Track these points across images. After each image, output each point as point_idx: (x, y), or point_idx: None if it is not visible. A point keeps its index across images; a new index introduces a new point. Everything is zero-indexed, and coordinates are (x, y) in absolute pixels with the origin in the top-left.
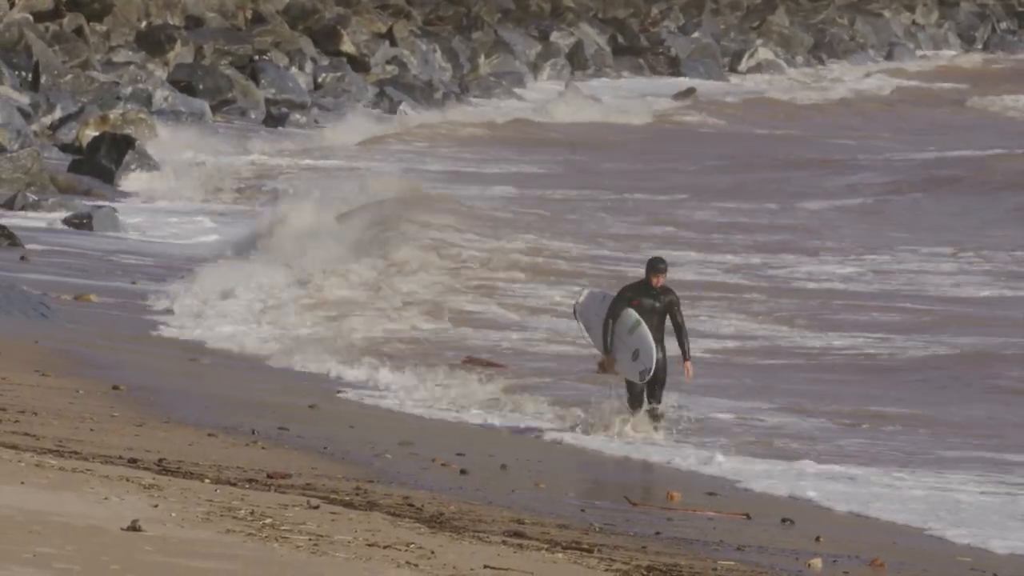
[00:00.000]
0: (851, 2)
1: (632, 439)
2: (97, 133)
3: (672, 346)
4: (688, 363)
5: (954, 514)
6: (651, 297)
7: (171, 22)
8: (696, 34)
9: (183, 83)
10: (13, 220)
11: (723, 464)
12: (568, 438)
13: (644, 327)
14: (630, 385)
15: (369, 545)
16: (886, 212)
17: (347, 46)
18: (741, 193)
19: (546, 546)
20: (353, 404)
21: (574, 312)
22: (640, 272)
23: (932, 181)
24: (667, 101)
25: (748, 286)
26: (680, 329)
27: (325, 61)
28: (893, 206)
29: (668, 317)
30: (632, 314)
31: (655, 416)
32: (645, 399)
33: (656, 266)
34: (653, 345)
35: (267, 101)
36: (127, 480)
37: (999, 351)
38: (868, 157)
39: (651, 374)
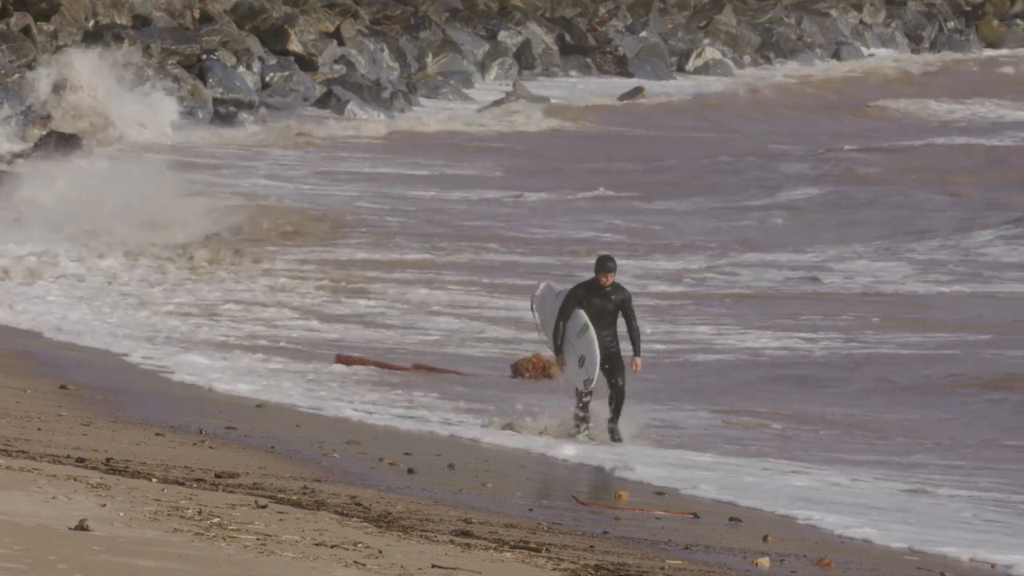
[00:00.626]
0: (798, 1)
1: (586, 441)
2: (44, 132)
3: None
4: (638, 359)
5: (901, 514)
6: (601, 297)
7: (118, 21)
8: (644, 33)
9: None
10: None
11: (670, 464)
12: (489, 436)
13: (592, 333)
14: (579, 393)
15: (316, 545)
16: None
17: (295, 45)
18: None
19: (494, 545)
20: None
21: (531, 305)
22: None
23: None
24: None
25: (673, 292)
26: (631, 326)
27: (273, 60)
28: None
29: (621, 315)
30: (582, 317)
31: (614, 422)
32: (589, 409)
33: (605, 264)
34: (598, 354)
35: (215, 100)
36: (75, 479)
37: (932, 351)
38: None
39: (593, 384)
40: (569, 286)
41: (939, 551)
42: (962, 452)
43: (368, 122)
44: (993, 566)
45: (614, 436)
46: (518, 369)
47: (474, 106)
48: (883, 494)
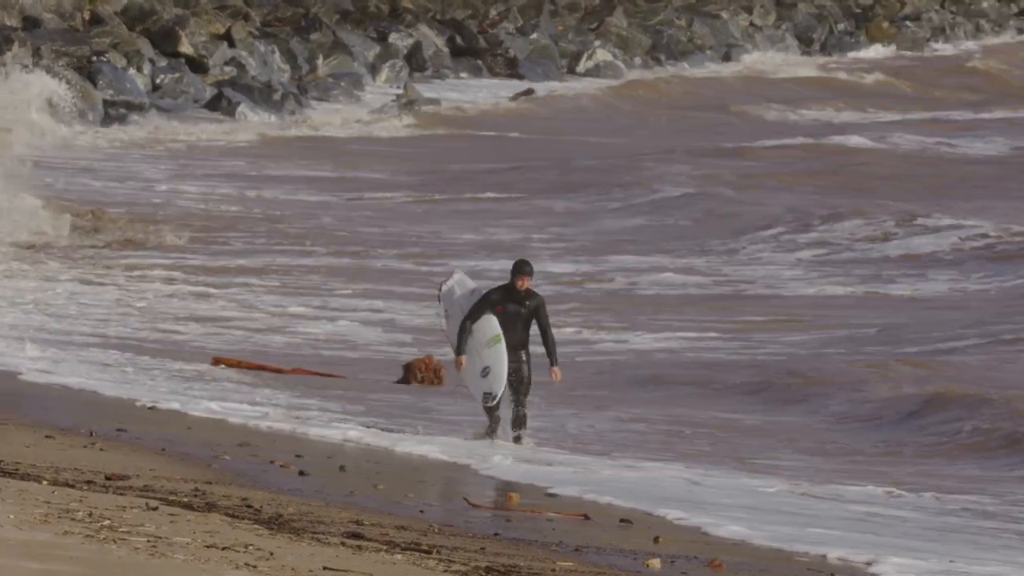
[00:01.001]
0: (689, 4)
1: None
2: None
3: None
4: (555, 368)
5: (788, 516)
6: (516, 302)
7: (8, 23)
8: (534, 35)
9: None
10: None
11: (559, 466)
12: (379, 439)
13: (501, 347)
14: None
15: (208, 546)
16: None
17: (185, 47)
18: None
19: (385, 547)
20: (192, 406)
21: (439, 294)
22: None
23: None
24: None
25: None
26: (545, 334)
27: (163, 62)
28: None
29: (534, 321)
30: (494, 326)
31: (518, 427)
32: (500, 413)
33: (522, 268)
34: (504, 371)
35: (105, 102)
36: None
37: (814, 350)
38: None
39: (493, 401)
40: (482, 283)
41: (821, 551)
42: (831, 453)
43: (253, 124)
44: (869, 563)
45: (516, 440)
46: (411, 370)
47: (364, 108)
48: (767, 496)
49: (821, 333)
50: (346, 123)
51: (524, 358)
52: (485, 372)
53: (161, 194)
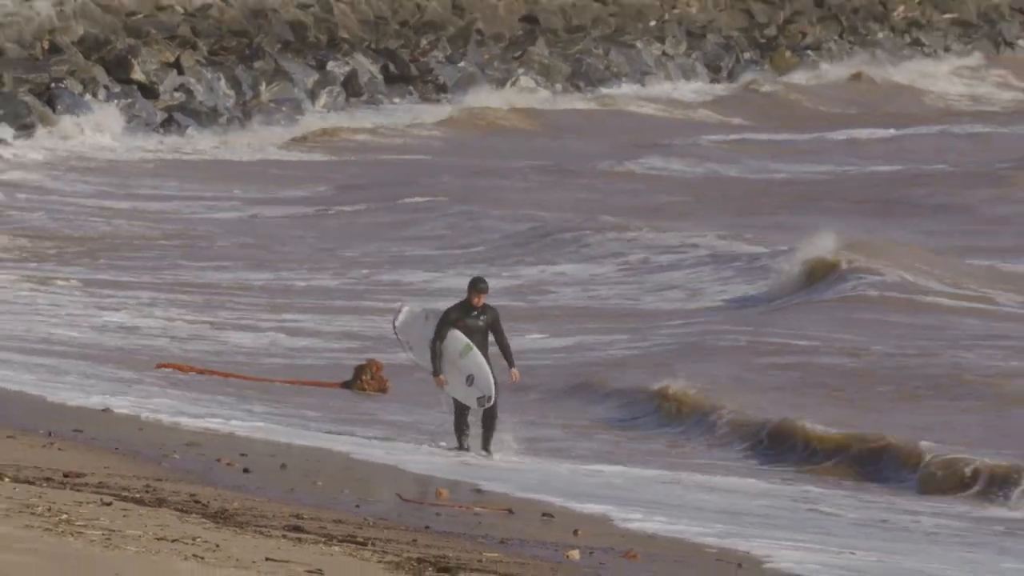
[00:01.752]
0: (606, 34)
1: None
2: None
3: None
4: (514, 369)
5: (698, 511)
6: (473, 317)
7: None
8: (462, 63)
9: None
10: None
11: (489, 463)
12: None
13: (475, 352)
14: (458, 405)
15: (158, 539)
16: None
17: (137, 74)
18: None
19: (323, 539)
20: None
21: (393, 329)
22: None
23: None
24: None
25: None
26: (503, 344)
27: (117, 88)
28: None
29: (491, 333)
30: (460, 338)
31: (486, 441)
32: (475, 419)
33: (477, 285)
34: (489, 372)
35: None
36: None
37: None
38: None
39: (491, 401)
40: (433, 307)
41: (735, 547)
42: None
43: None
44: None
45: (485, 451)
46: (360, 373)
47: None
48: (679, 490)
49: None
50: (267, 146)
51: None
52: (470, 380)
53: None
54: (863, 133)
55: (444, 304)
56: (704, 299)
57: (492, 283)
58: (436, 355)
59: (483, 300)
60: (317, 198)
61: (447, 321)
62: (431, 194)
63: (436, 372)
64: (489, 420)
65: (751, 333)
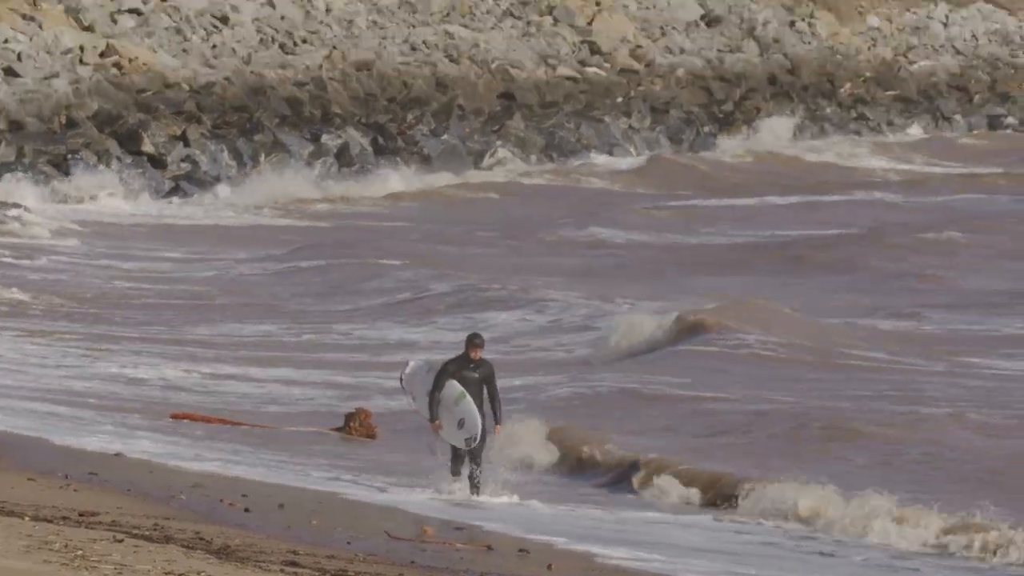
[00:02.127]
0: (577, 110)
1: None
2: None
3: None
4: (499, 425)
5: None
6: (470, 370)
7: None
8: (445, 136)
9: None
10: None
11: (467, 503)
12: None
13: (468, 399)
14: (454, 450)
15: (166, 573)
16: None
17: (147, 147)
18: None
19: (317, 573)
20: (151, 454)
21: (400, 382)
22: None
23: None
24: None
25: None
26: (494, 398)
27: (129, 159)
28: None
29: (485, 385)
30: (456, 386)
31: (475, 485)
32: (467, 463)
33: (474, 341)
34: (478, 416)
35: None
36: None
37: None
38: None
39: (476, 441)
40: (435, 359)
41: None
42: None
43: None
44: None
45: (474, 486)
46: (349, 422)
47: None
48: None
49: None
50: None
51: (481, 413)
52: (461, 424)
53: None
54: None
55: (442, 357)
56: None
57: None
58: (433, 403)
59: (479, 354)
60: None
61: (445, 372)
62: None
63: (432, 418)
64: (478, 457)
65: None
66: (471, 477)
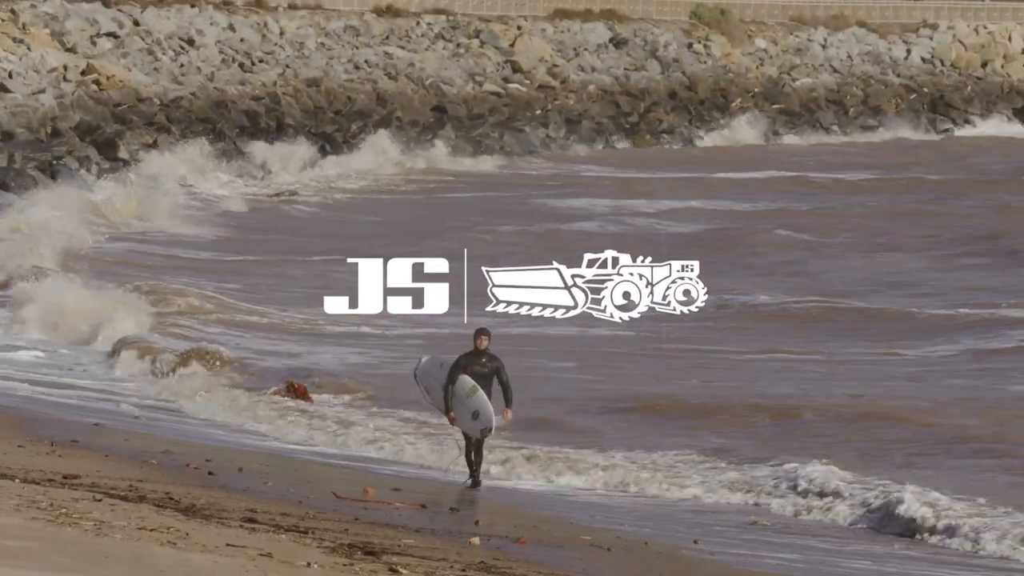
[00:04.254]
0: (501, 121)
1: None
2: None
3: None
4: (508, 409)
5: (570, 501)
6: (481, 364)
7: None
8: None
9: None
10: None
11: (405, 467)
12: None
13: (481, 392)
14: (467, 438)
15: (140, 529)
16: None
17: (123, 153)
18: None
19: (273, 529)
20: (128, 423)
21: (415, 376)
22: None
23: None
24: None
25: None
26: (506, 386)
27: (107, 165)
28: None
29: (496, 377)
30: (468, 380)
31: (475, 475)
32: (474, 454)
33: (481, 332)
34: (491, 408)
35: None
36: None
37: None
38: None
39: (491, 432)
40: (447, 357)
41: (609, 527)
42: None
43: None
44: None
45: (475, 484)
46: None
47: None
48: (549, 487)
49: None
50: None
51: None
52: (475, 415)
53: None
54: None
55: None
56: None
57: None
58: (448, 396)
59: (485, 343)
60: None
61: (457, 366)
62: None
63: (447, 410)
64: (479, 457)
65: None
66: (472, 467)
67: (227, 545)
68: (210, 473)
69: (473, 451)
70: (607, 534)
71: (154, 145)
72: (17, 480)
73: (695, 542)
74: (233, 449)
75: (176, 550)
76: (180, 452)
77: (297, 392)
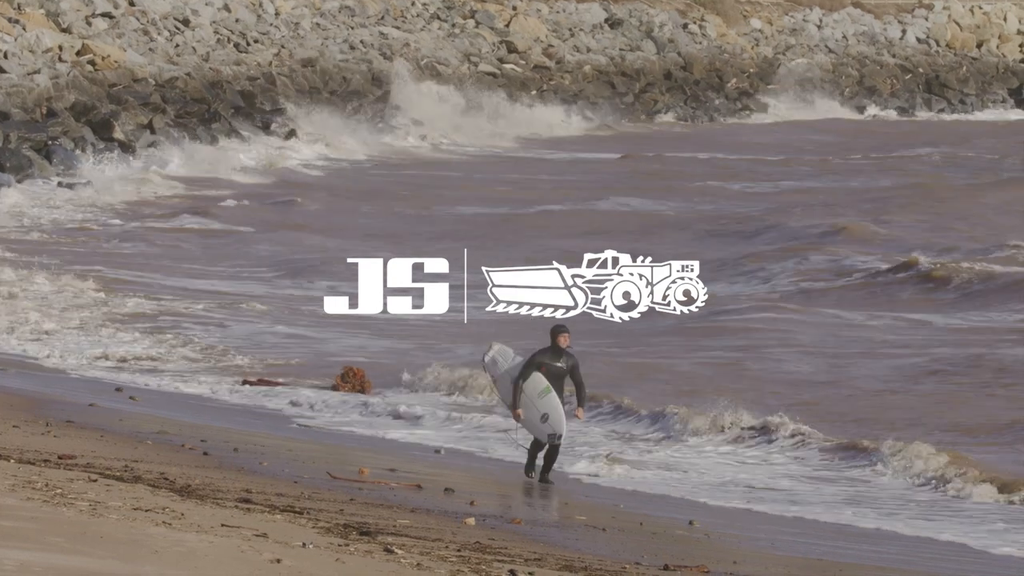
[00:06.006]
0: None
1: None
2: None
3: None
4: (580, 408)
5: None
6: (558, 360)
7: None
8: (381, 124)
9: None
10: None
11: (403, 447)
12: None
13: (554, 394)
14: (534, 446)
15: (135, 509)
16: None
17: (118, 134)
18: None
19: (268, 509)
20: (122, 403)
21: (483, 365)
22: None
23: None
24: None
25: None
26: (580, 385)
27: (102, 145)
28: None
29: (571, 375)
30: (542, 380)
31: (547, 472)
32: (540, 463)
33: (561, 329)
34: (563, 413)
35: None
36: None
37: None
38: None
39: (560, 439)
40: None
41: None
42: None
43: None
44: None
45: (544, 480)
46: (344, 377)
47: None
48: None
49: None
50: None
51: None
52: (544, 418)
53: None
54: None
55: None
56: None
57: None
58: (517, 392)
59: (567, 340)
60: None
61: (532, 363)
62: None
63: (515, 406)
64: (552, 455)
65: None
66: (545, 465)
67: (222, 525)
68: (205, 453)
69: (546, 453)
70: (603, 513)
71: (149, 126)
72: (12, 460)
73: (690, 523)
74: (228, 429)
75: (171, 530)
76: (175, 432)
77: (356, 379)
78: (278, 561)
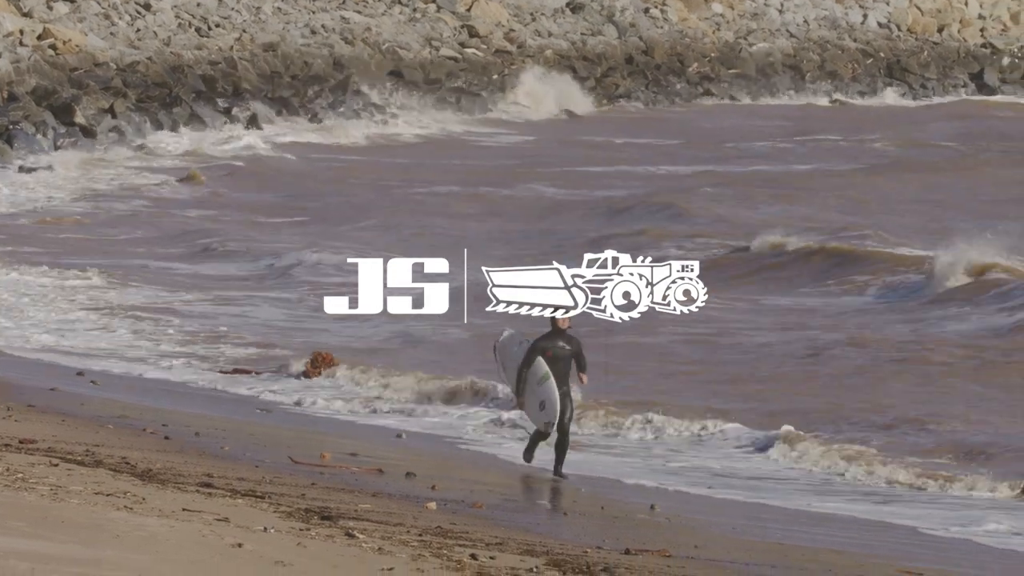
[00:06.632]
0: (457, 86)
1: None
2: None
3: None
4: (583, 373)
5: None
6: (562, 344)
7: None
8: (342, 109)
9: None
10: None
11: (362, 430)
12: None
13: (551, 382)
14: (536, 434)
15: (96, 493)
16: None
17: (79, 118)
18: None
19: (229, 494)
20: (84, 387)
21: (494, 350)
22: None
23: None
24: None
25: None
26: (583, 367)
27: (63, 129)
28: None
29: (575, 359)
30: (543, 366)
31: (560, 462)
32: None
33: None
34: (558, 400)
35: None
36: None
37: None
38: None
39: (554, 427)
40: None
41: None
42: None
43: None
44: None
45: (557, 474)
46: (315, 363)
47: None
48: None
49: None
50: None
51: (569, 396)
52: (542, 406)
53: None
54: None
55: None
56: None
57: None
58: (520, 379)
59: (568, 321)
60: None
61: (535, 350)
62: None
63: (519, 393)
64: (561, 449)
65: None
66: (557, 458)
67: (183, 510)
68: (166, 437)
69: (555, 445)
70: (564, 498)
71: (110, 110)
72: None
73: (652, 507)
74: (189, 413)
75: (132, 514)
76: (136, 416)
77: (325, 363)
78: (239, 545)
